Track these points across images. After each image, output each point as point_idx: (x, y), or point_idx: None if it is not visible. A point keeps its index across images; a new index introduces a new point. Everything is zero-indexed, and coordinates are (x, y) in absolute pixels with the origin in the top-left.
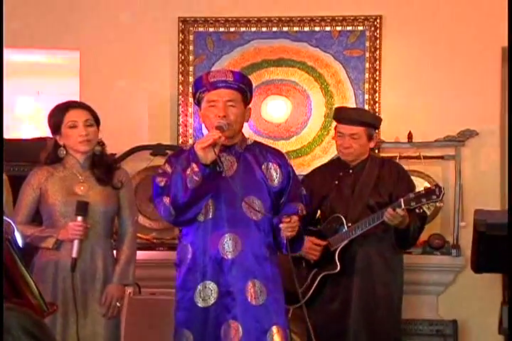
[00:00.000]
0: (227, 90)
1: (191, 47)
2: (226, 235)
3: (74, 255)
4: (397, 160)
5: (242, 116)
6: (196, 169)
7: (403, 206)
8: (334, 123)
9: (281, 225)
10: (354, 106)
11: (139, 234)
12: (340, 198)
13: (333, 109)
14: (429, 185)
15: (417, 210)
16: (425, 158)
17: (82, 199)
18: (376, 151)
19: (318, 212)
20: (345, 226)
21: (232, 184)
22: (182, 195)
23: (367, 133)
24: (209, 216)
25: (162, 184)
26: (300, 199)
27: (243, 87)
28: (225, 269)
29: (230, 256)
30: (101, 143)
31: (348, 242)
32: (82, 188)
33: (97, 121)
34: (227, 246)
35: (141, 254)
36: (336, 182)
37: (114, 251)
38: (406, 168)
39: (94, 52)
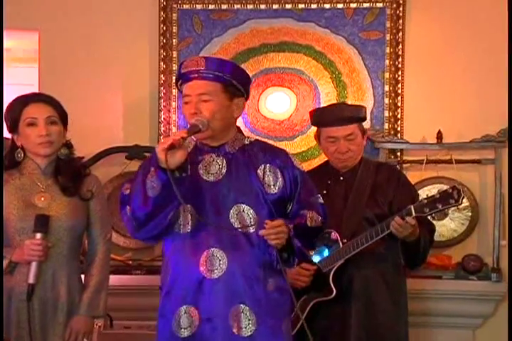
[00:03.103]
0: (200, 81)
1: (175, 29)
2: (209, 250)
3: (31, 280)
4: (424, 165)
5: (225, 111)
6: (154, 174)
7: (414, 213)
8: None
9: (260, 232)
10: (372, 99)
11: (112, 255)
12: (332, 210)
13: (309, 113)
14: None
15: (429, 217)
16: (458, 162)
17: (42, 213)
18: (398, 154)
19: None
20: (340, 243)
21: (218, 190)
22: (141, 206)
23: (361, 129)
24: (189, 228)
25: (127, 192)
26: (312, 209)
27: (222, 76)
28: (205, 291)
29: (212, 276)
30: (68, 146)
31: (343, 262)
32: (42, 199)
33: (63, 118)
34: (210, 263)
35: (114, 279)
36: (325, 191)
37: (82, 276)
38: (434, 174)
39: (56, 34)
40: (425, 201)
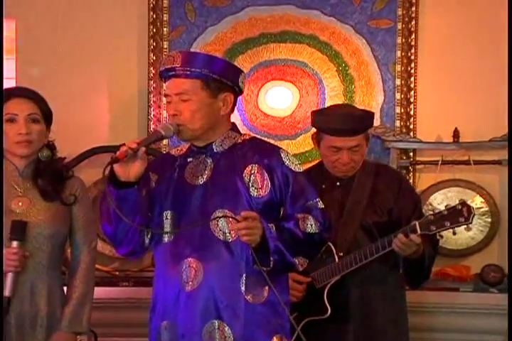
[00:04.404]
0: (177, 80)
1: (166, 17)
2: (185, 261)
3: (7, 293)
4: (439, 167)
5: (208, 109)
6: (108, 186)
7: (419, 231)
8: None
9: (231, 226)
10: (382, 94)
11: (96, 265)
12: None
13: (312, 113)
14: (481, 199)
15: (438, 235)
16: (477, 163)
17: (19, 219)
18: (411, 154)
19: None
20: (336, 257)
21: (201, 194)
22: (105, 222)
23: (366, 138)
24: (171, 236)
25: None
26: (309, 213)
27: (199, 71)
28: (181, 305)
29: (187, 289)
30: (51, 147)
31: (339, 278)
32: (20, 204)
33: (46, 117)
34: (186, 275)
35: (99, 291)
36: None
37: (64, 288)
38: (451, 176)
39: (34, 22)
40: (432, 217)
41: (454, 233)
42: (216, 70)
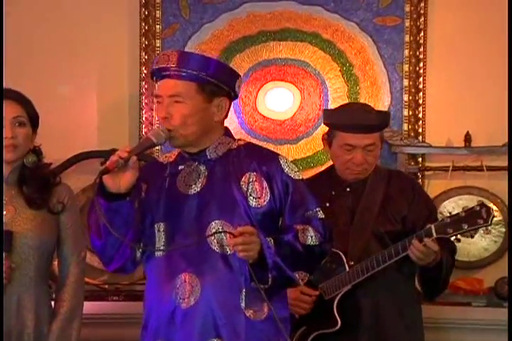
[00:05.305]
0: (171, 81)
1: (158, 13)
2: (180, 276)
3: None
4: (450, 173)
5: (201, 115)
6: (97, 199)
7: (435, 234)
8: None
9: (227, 241)
10: (388, 96)
11: (86, 278)
12: (336, 227)
13: (324, 112)
14: (495, 208)
15: (452, 238)
16: (490, 169)
17: (5, 228)
18: (420, 160)
19: None
20: (346, 266)
21: (196, 205)
22: (94, 232)
23: (381, 139)
24: (162, 250)
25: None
26: (309, 224)
27: (196, 74)
28: (177, 323)
29: (184, 305)
30: (37, 152)
31: (350, 288)
32: (5, 213)
33: (32, 120)
34: (181, 291)
35: (88, 306)
36: (328, 204)
37: (52, 302)
38: (462, 183)
39: (17, 16)
40: (448, 220)
41: (472, 236)
42: (213, 73)
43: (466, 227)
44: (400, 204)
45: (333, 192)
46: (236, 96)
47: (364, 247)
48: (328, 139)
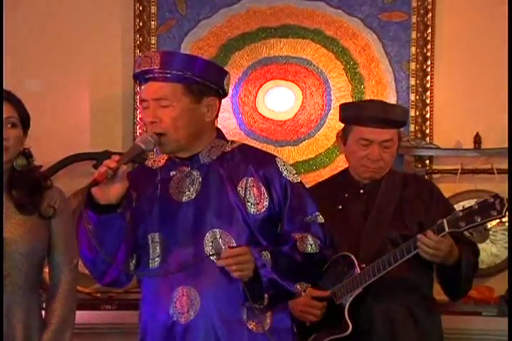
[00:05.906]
0: (155, 84)
1: (153, 9)
2: (178, 289)
3: None
4: (458, 176)
5: (191, 117)
6: (86, 211)
7: (447, 229)
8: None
9: (217, 262)
10: (394, 95)
11: (78, 287)
12: (348, 229)
13: (340, 106)
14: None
15: (466, 233)
16: (500, 171)
17: None
18: (427, 162)
19: None
20: (357, 269)
21: (191, 212)
22: (84, 244)
23: (399, 136)
24: (157, 261)
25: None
26: (308, 231)
27: (181, 74)
28: (177, 338)
29: (183, 320)
30: (27, 155)
31: (361, 291)
32: None
33: (24, 121)
34: (180, 305)
35: (80, 315)
36: (340, 206)
37: (43, 312)
38: (472, 186)
39: (7, 13)
40: (460, 213)
41: (486, 229)
42: (199, 72)
43: (479, 220)
44: (417, 208)
45: (347, 195)
46: (225, 95)
47: (377, 250)
48: (343, 136)
